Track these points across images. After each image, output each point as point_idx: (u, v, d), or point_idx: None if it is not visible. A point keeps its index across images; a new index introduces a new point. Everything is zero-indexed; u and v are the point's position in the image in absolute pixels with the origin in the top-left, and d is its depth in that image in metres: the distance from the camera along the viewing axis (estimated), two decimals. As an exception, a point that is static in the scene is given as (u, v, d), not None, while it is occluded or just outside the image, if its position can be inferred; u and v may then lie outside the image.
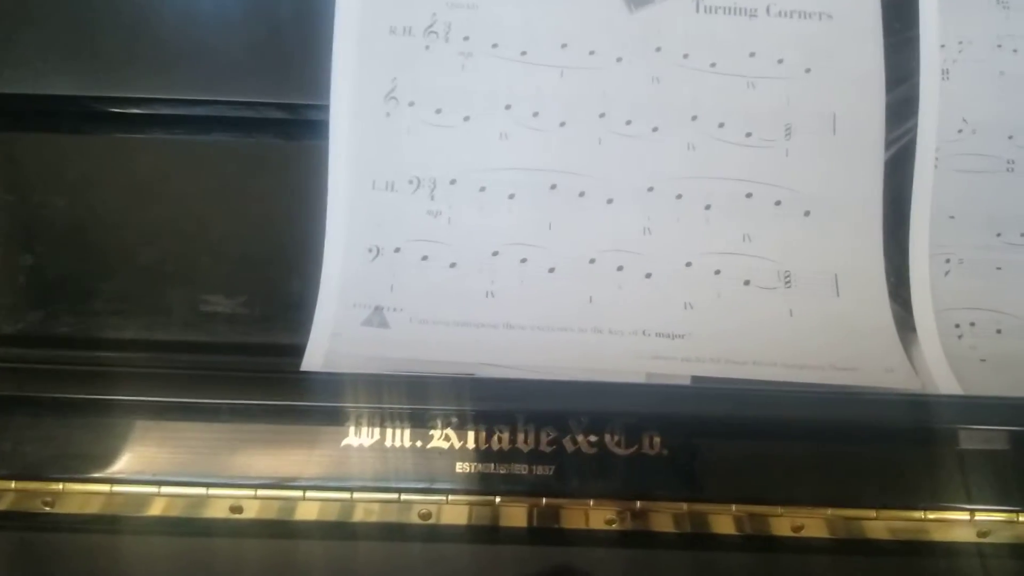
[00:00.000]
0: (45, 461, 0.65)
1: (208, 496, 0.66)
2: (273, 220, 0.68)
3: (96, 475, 0.65)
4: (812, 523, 0.67)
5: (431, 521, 0.67)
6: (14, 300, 0.67)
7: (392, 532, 0.67)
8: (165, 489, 0.65)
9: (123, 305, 0.67)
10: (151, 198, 0.69)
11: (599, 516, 0.67)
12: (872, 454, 0.65)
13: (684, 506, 0.66)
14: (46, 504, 0.66)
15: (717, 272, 0.65)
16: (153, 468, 0.65)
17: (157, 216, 0.69)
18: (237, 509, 0.66)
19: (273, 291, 0.67)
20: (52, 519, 0.66)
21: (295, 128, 0.68)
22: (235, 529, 0.66)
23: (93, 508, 0.67)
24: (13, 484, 0.66)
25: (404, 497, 0.66)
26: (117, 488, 0.65)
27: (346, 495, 0.66)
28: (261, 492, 0.65)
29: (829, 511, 0.66)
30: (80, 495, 0.66)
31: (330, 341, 0.63)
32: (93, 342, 0.65)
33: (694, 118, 0.66)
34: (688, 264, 0.65)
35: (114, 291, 0.67)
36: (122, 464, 0.65)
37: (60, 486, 0.65)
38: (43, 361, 0.63)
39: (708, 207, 0.65)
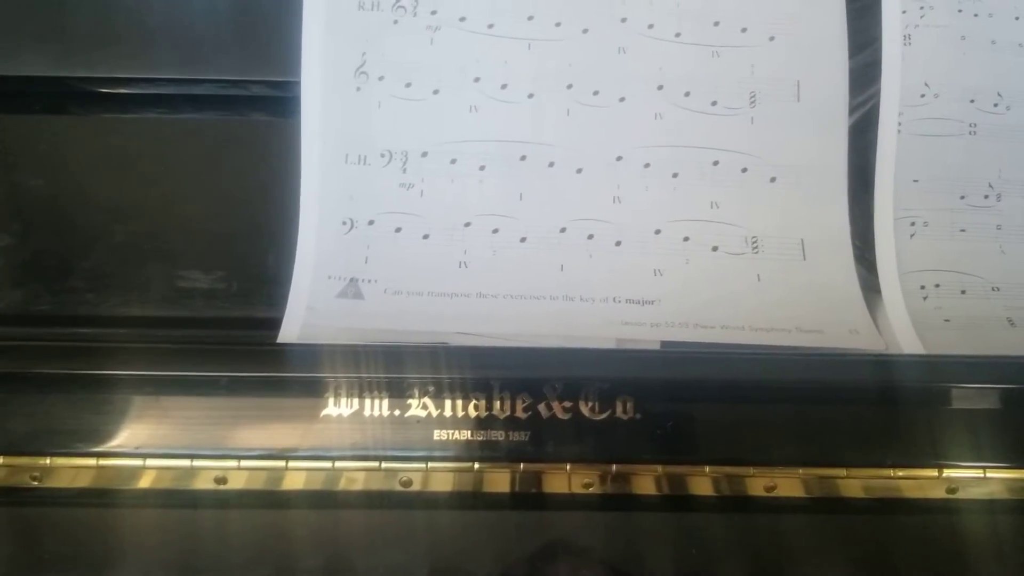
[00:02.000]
0: (32, 436, 0.67)
1: (193, 468, 0.67)
2: (248, 196, 0.69)
3: (83, 449, 0.67)
4: (785, 483, 0.68)
5: (413, 488, 0.68)
6: (-9, 279, 0.68)
7: (375, 500, 0.68)
8: (151, 462, 0.66)
9: (102, 282, 0.67)
10: (127, 176, 0.70)
11: (576, 480, 0.68)
12: (840, 415, 0.67)
13: (659, 468, 0.68)
14: (34, 479, 0.67)
15: (686, 239, 0.66)
16: (138, 441, 0.67)
17: (134, 194, 0.70)
18: (222, 480, 0.67)
19: (249, 266, 0.68)
20: (40, 493, 0.68)
21: (268, 104, 0.69)
22: (221, 500, 0.67)
23: (81, 482, 0.68)
24: (1, 459, 0.67)
25: (385, 465, 0.67)
26: (104, 462, 0.66)
27: (328, 464, 0.67)
28: (244, 463, 0.67)
29: (801, 471, 0.67)
30: (67, 469, 0.67)
31: (306, 313, 0.64)
32: (73, 319, 0.66)
33: (660, 87, 0.67)
34: (657, 231, 0.66)
35: (93, 269, 0.68)
36: (108, 438, 0.67)
37: (47, 460, 0.67)
38: (24, 338, 0.64)
39: (676, 175, 0.66)
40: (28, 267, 0.69)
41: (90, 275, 0.68)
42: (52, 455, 0.67)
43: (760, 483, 0.68)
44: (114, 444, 0.67)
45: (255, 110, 0.70)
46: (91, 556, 0.67)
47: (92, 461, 0.67)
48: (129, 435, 0.67)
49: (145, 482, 0.68)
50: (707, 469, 0.68)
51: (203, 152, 0.70)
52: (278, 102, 0.68)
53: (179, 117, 0.70)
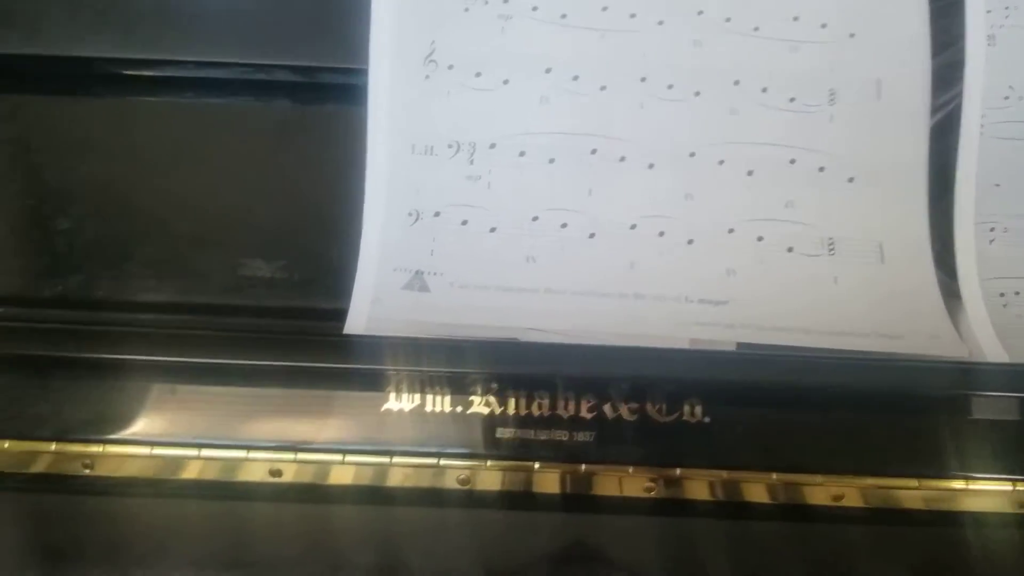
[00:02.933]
0: (85, 423, 0.66)
1: (248, 459, 0.66)
2: (314, 185, 0.68)
3: (136, 437, 0.66)
4: (852, 493, 0.66)
5: (471, 486, 0.67)
6: (52, 264, 0.67)
7: (432, 497, 0.67)
8: (205, 452, 0.66)
9: (162, 269, 0.67)
10: (192, 163, 0.69)
11: (638, 483, 0.67)
12: (917, 422, 0.65)
13: (724, 474, 0.66)
14: (86, 466, 0.67)
15: (760, 238, 0.64)
16: (194, 431, 0.66)
17: (197, 181, 0.69)
18: (276, 472, 0.66)
19: (313, 256, 0.67)
20: (91, 481, 0.67)
21: (336, 92, 0.68)
22: (274, 493, 0.66)
23: (132, 471, 0.67)
24: (53, 446, 0.66)
25: (443, 462, 0.66)
26: (157, 451, 0.66)
27: (385, 459, 0.66)
28: (301, 455, 0.66)
29: (870, 480, 0.66)
30: (119, 457, 0.66)
31: (371, 306, 0.63)
32: (130, 305, 0.65)
33: (736, 82, 0.65)
34: (730, 230, 0.64)
35: (153, 255, 0.67)
36: (162, 426, 0.66)
37: (100, 448, 0.66)
38: (81, 322, 0.63)
39: (751, 173, 0.64)
40: (88, 252, 0.68)
41: (149, 262, 0.67)
42: (105, 442, 0.66)
43: (826, 492, 0.66)
44: (169, 433, 0.66)
45: (323, 98, 0.69)
46: (139, 548, 0.67)
47: (146, 450, 0.66)
48: (186, 424, 0.66)
49: (199, 473, 0.67)
50: (774, 476, 0.66)
51: (269, 140, 0.69)
52: (346, 90, 0.67)
53: (247, 103, 0.70)
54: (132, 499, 0.67)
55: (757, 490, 0.67)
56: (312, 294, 0.66)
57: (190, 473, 0.67)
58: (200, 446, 0.66)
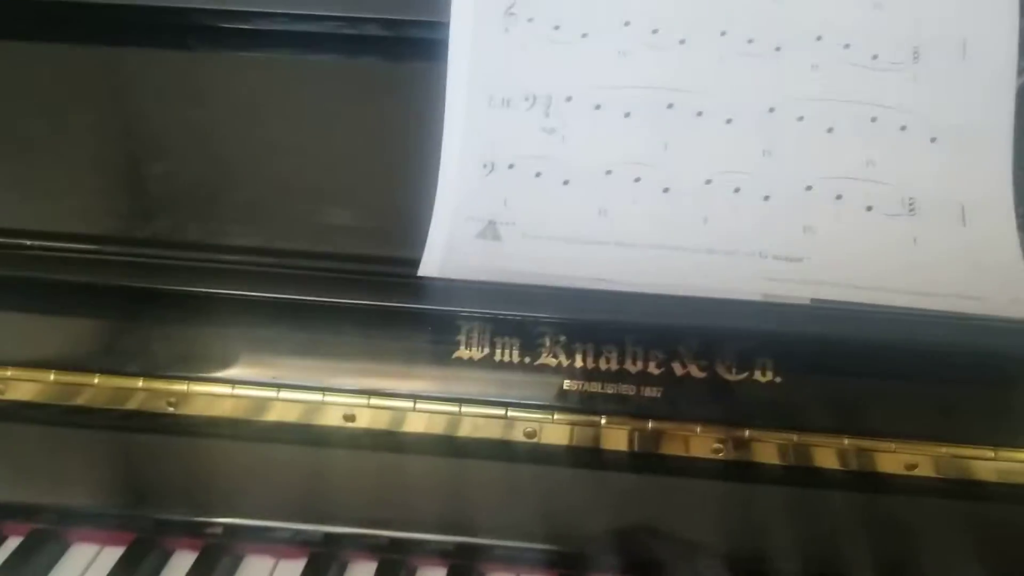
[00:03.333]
0: (172, 361, 0.69)
1: (323, 403, 0.68)
2: (396, 139, 0.69)
3: (219, 375, 0.68)
4: (925, 461, 0.65)
5: (536, 439, 0.67)
6: (144, 206, 0.70)
7: (495, 449, 0.67)
8: (283, 393, 0.68)
9: (247, 215, 0.69)
10: (276, 114, 0.71)
11: (705, 443, 0.66)
12: (994, 388, 0.63)
13: (794, 437, 0.65)
14: (170, 404, 0.69)
15: (838, 197, 0.63)
16: (273, 372, 0.68)
17: (280, 131, 0.71)
18: (350, 417, 0.68)
19: (390, 206, 0.69)
20: (175, 420, 0.70)
21: (416, 47, 0.69)
22: (348, 438, 0.68)
23: (214, 410, 0.69)
24: (140, 382, 0.69)
25: (511, 413, 0.67)
26: (239, 390, 0.68)
27: (455, 407, 0.67)
28: (374, 400, 0.67)
29: (944, 448, 0.64)
30: (203, 397, 0.69)
31: (445, 252, 0.64)
32: (217, 247, 0.68)
33: (819, 38, 0.64)
34: (808, 188, 0.63)
35: (240, 201, 0.70)
36: (244, 366, 0.68)
37: (185, 386, 0.69)
38: (171, 258, 0.66)
39: (831, 130, 0.64)
40: (178, 197, 0.71)
41: (237, 207, 0.69)
42: (190, 380, 0.69)
43: (899, 460, 0.65)
44: (250, 373, 0.68)
45: (406, 53, 0.70)
46: (218, 489, 0.69)
47: (227, 389, 0.68)
48: (265, 365, 0.68)
49: (277, 415, 0.69)
50: (846, 441, 0.65)
51: (354, 94, 0.71)
52: (426, 44, 0.68)
53: (332, 57, 0.71)
54: (213, 440, 0.69)
55: (827, 455, 0.66)
56: (389, 242, 0.67)
57: (270, 415, 0.69)
58: (279, 386, 0.68)
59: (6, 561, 0.66)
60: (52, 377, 0.70)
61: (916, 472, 0.65)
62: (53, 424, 0.70)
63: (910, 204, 0.63)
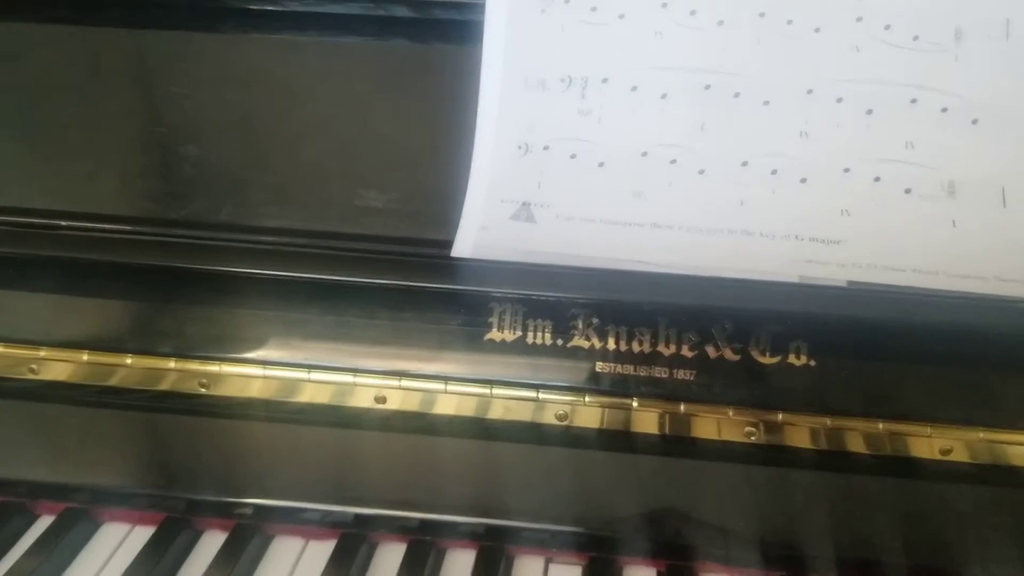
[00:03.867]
0: (205, 341, 0.69)
1: (355, 384, 0.68)
2: (430, 121, 0.69)
3: (251, 356, 0.68)
4: (960, 447, 0.65)
5: (568, 422, 0.67)
6: (179, 188, 0.70)
7: (527, 432, 0.67)
8: (315, 374, 0.68)
9: (282, 196, 0.69)
10: (311, 96, 0.71)
11: (738, 427, 0.66)
12: (1032, 373, 0.63)
13: (827, 421, 0.65)
14: (202, 385, 0.70)
15: (877, 179, 0.62)
16: (304, 353, 0.68)
17: (316, 114, 0.71)
18: (382, 399, 0.68)
19: (425, 188, 0.69)
20: (207, 401, 0.70)
21: (451, 29, 0.69)
22: (379, 420, 0.68)
23: (246, 392, 0.70)
24: (172, 363, 0.69)
25: (542, 396, 0.67)
26: (270, 371, 0.68)
27: (486, 390, 0.67)
28: (405, 382, 0.67)
29: (980, 434, 0.64)
30: (235, 377, 0.69)
31: (478, 233, 0.64)
32: (252, 228, 0.68)
33: (859, 19, 0.63)
34: (846, 170, 0.63)
35: (275, 184, 0.70)
36: (275, 347, 0.68)
37: (217, 367, 0.69)
38: (204, 239, 0.66)
39: (870, 112, 0.63)
40: (214, 178, 0.71)
41: (272, 189, 0.69)
42: (222, 361, 0.69)
43: (934, 445, 0.65)
44: (282, 354, 0.68)
45: (437, 34, 0.70)
46: (250, 470, 0.69)
47: (259, 370, 0.69)
48: (297, 346, 0.68)
49: (309, 396, 0.69)
50: (880, 426, 0.65)
51: (388, 76, 0.71)
52: (461, 26, 0.68)
53: (363, 40, 0.71)
54: (245, 421, 0.69)
55: (860, 439, 0.65)
56: (423, 224, 0.67)
57: (301, 396, 0.69)
58: (310, 367, 0.68)
59: (39, 539, 0.67)
60: (85, 357, 0.70)
61: (950, 457, 0.65)
62: (86, 404, 0.71)
63: (950, 186, 0.62)
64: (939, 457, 0.65)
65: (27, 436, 0.71)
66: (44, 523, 0.69)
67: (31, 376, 0.71)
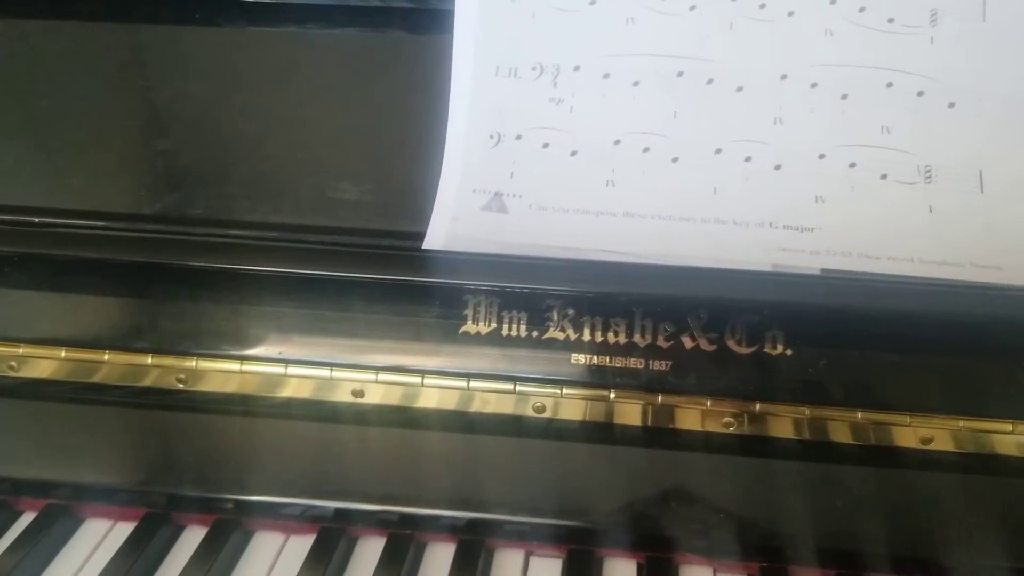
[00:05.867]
0: (180, 336, 0.69)
1: (332, 379, 0.68)
2: (398, 111, 0.69)
3: (226, 352, 0.68)
4: (941, 435, 0.64)
5: (545, 415, 0.67)
6: (152, 182, 0.70)
7: (505, 425, 0.67)
8: (292, 369, 0.68)
9: (254, 189, 0.69)
10: (280, 88, 0.71)
11: (716, 417, 0.65)
12: (1012, 359, 0.62)
13: (806, 410, 0.64)
14: (180, 381, 0.70)
15: (852, 165, 0.62)
16: (280, 348, 0.68)
17: (286, 105, 0.70)
18: (359, 393, 0.68)
19: (396, 179, 0.68)
20: (186, 397, 0.70)
21: (422, 19, 0.68)
22: (358, 414, 0.68)
23: (224, 387, 0.69)
24: (150, 358, 0.69)
25: (520, 388, 0.66)
26: (247, 366, 0.68)
27: (463, 383, 0.67)
28: (382, 376, 0.67)
29: (961, 422, 0.63)
30: (212, 373, 0.69)
31: (450, 224, 0.64)
32: (226, 223, 0.68)
33: (833, 2, 0.63)
34: (821, 156, 0.62)
35: (246, 177, 0.69)
36: (251, 342, 0.68)
37: (194, 362, 0.69)
38: (179, 234, 0.66)
39: (845, 97, 0.62)
40: (185, 172, 0.71)
41: (244, 182, 0.69)
42: (198, 356, 0.69)
43: (915, 434, 0.64)
44: (258, 349, 0.68)
45: (409, 25, 0.69)
46: (227, 463, 0.69)
47: (236, 365, 0.68)
48: (273, 342, 0.68)
49: (287, 391, 0.69)
50: (859, 415, 0.64)
51: (355, 65, 0.70)
52: (432, 15, 0.68)
53: (333, 30, 0.71)
54: (224, 416, 0.69)
55: (840, 429, 0.65)
56: (395, 216, 0.67)
57: (279, 391, 0.69)
58: (287, 362, 0.68)
59: (21, 535, 0.67)
60: (63, 354, 0.70)
61: (932, 446, 0.64)
62: (67, 401, 0.71)
63: (926, 171, 0.61)
64: (920, 446, 0.64)
65: (9, 433, 0.71)
66: (27, 519, 0.69)
67: (11, 373, 0.71)
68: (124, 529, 0.68)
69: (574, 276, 0.62)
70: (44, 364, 0.71)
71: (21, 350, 0.71)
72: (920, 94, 0.62)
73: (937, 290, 0.58)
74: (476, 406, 0.67)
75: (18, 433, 0.71)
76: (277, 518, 0.68)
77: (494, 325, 0.66)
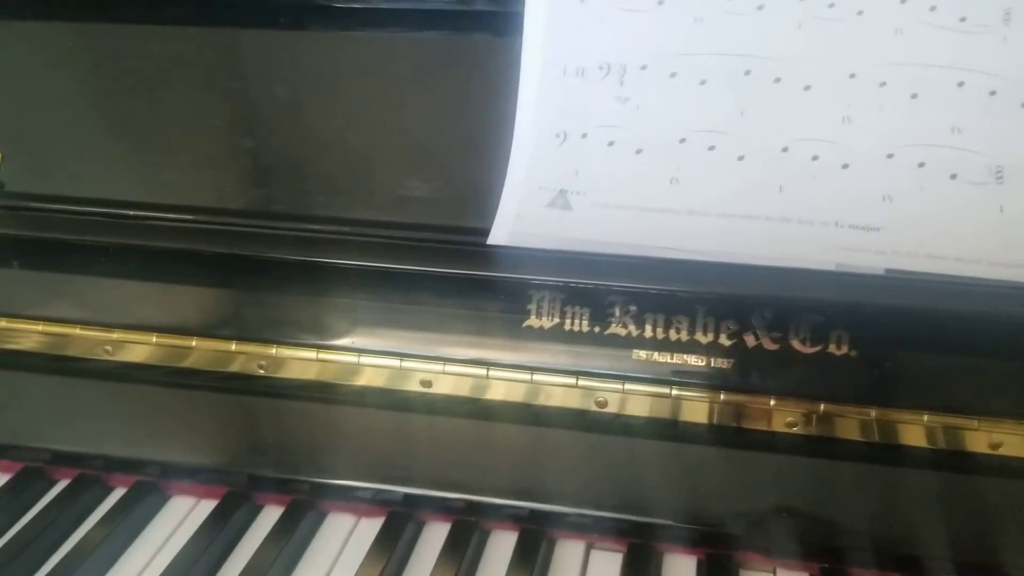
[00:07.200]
0: (260, 325, 0.72)
1: (402, 369, 0.70)
2: (468, 110, 0.71)
3: (304, 340, 0.71)
4: (1012, 440, 0.62)
5: (608, 409, 0.68)
6: (238, 178, 0.74)
7: (567, 418, 0.68)
8: (364, 358, 0.71)
9: (331, 186, 0.72)
10: (355, 90, 0.74)
11: (779, 417, 0.65)
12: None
13: (872, 412, 0.64)
14: (261, 368, 0.73)
15: (921, 165, 0.61)
16: (353, 338, 0.71)
17: (361, 107, 0.73)
18: (427, 383, 0.70)
19: (465, 177, 0.70)
20: (266, 383, 0.73)
21: (492, 21, 0.70)
22: (426, 404, 0.70)
23: (302, 374, 0.73)
24: (234, 346, 0.73)
25: (582, 382, 0.67)
26: (323, 355, 0.71)
27: (526, 376, 0.68)
28: (449, 367, 0.69)
29: (1031, 427, 0.62)
30: (291, 361, 0.72)
31: (514, 221, 0.65)
32: (304, 217, 0.71)
33: (903, 1, 0.62)
34: (890, 155, 0.61)
35: (324, 174, 0.72)
36: (327, 332, 0.71)
37: (274, 350, 0.72)
38: (260, 227, 0.69)
39: (914, 96, 0.61)
40: (269, 170, 0.74)
41: (322, 179, 0.72)
42: (278, 344, 0.72)
43: (985, 439, 0.63)
44: (333, 339, 0.71)
45: (480, 26, 0.71)
46: (304, 446, 0.72)
47: (312, 354, 0.71)
48: (346, 331, 0.71)
49: (359, 379, 0.72)
50: (926, 418, 0.63)
51: (426, 67, 0.73)
52: (502, 18, 0.69)
53: (409, 33, 0.73)
54: (302, 402, 0.72)
55: (906, 432, 0.64)
56: (464, 212, 0.69)
57: (352, 380, 0.72)
58: (360, 352, 0.71)
59: (111, 510, 0.71)
60: (154, 339, 0.75)
61: (1001, 451, 0.63)
62: (156, 384, 0.75)
63: (998, 172, 0.60)
64: (989, 451, 0.63)
65: (102, 413, 0.76)
66: (117, 495, 0.73)
67: (106, 357, 0.76)
68: (207, 507, 0.72)
69: (637, 272, 0.63)
70: (136, 349, 0.75)
71: (115, 335, 0.75)
72: (992, 94, 0.61)
73: (1005, 292, 0.57)
74: (539, 399, 0.69)
75: (111, 413, 0.76)
76: (349, 500, 0.71)
77: (557, 320, 0.67)
